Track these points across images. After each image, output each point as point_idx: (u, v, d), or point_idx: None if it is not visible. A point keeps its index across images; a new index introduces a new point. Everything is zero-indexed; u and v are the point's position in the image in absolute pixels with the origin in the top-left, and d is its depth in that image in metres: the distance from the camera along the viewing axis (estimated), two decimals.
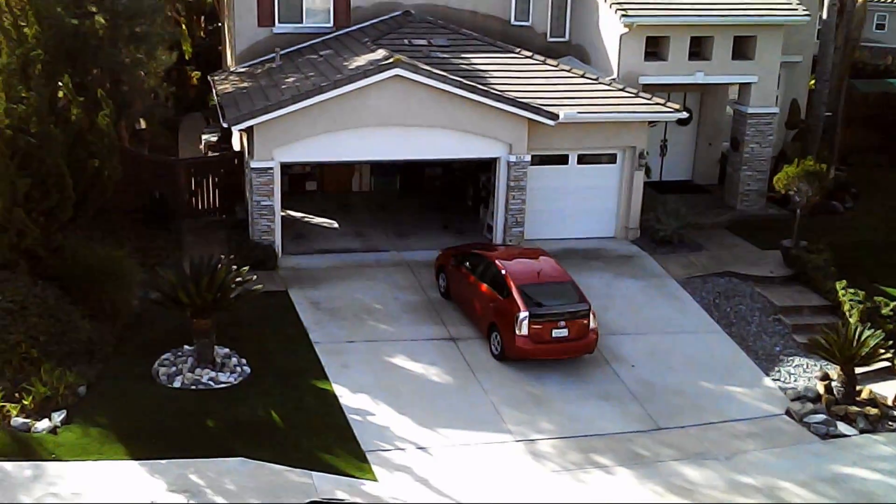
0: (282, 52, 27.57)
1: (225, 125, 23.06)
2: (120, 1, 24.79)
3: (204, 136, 32.96)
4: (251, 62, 28.13)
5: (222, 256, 19.85)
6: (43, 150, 18.04)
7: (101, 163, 19.76)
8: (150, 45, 25.15)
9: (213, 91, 26.92)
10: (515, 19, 29.12)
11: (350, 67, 23.90)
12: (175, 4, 39.09)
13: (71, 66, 22.96)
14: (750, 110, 27.29)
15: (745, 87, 27.37)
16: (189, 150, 33.39)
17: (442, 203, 28.64)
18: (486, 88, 23.58)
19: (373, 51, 24.87)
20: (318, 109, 22.97)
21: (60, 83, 20.94)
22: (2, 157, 17.42)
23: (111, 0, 24.45)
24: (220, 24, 40.25)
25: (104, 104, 19.62)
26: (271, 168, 23.38)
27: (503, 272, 20.08)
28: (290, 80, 24.77)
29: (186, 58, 38.98)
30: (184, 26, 39.38)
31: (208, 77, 29.37)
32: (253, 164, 23.29)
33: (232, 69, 28.49)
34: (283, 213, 24.34)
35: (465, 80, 23.49)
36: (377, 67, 22.85)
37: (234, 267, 19.21)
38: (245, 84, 25.99)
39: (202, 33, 41.70)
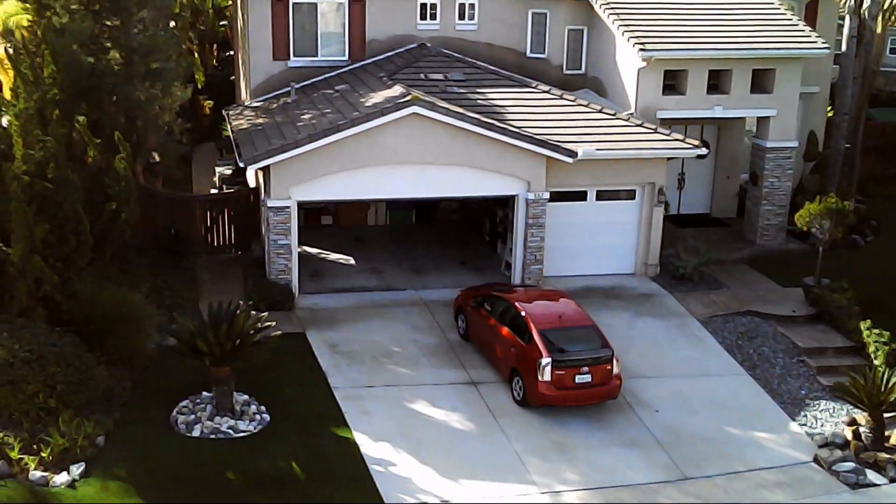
0: (297, 85, 27.45)
1: (241, 164, 22.86)
2: (135, 37, 24.69)
3: (218, 169, 32.81)
4: (266, 96, 28.01)
5: (241, 302, 19.58)
6: (60, 196, 17.86)
7: (119, 205, 19.57)
8: (166, 81, 24.97)
9: (229, 127, 26.78)
10: (531, 51, 28.94)
11: (366, 104, 23.72)
12: (188, 34, 39.17)
13: (86, 103, 22.87)
14: (769, 144, 27.04)
15: (763, 120, 27.14)
16: (203, 183, 33.29)
17: (458, 237, 28.44)
18: (504, 126, 23.37)
19: (389, 86, 24.70)
20: (334, 148, 22.79)
21: (77, 123, 20.83)
22: (19, 203, 17.23)
23: (126, 36, 24.33)
24: (232, 53, 40.28)
25: (121, 147, 19.43)
26: (288, 207, 23.19)
27: (524, 316, 19.82)
28: (307, 116, 24.61)
29: (199, 87, 38.93)
30: (196, 55, 39.37)
31: (223, 111, 29.23)
32: (269, 203, 23.10)
33: (247, 103, 28.36)
34: (298, 250, 24.11)
35: (482, 118, 23.29)
36: (394, 105, 22.66)
37: (253, 312, 18.96)
38: (260, 120, 25.83)
39: (215, 62, 41.62)
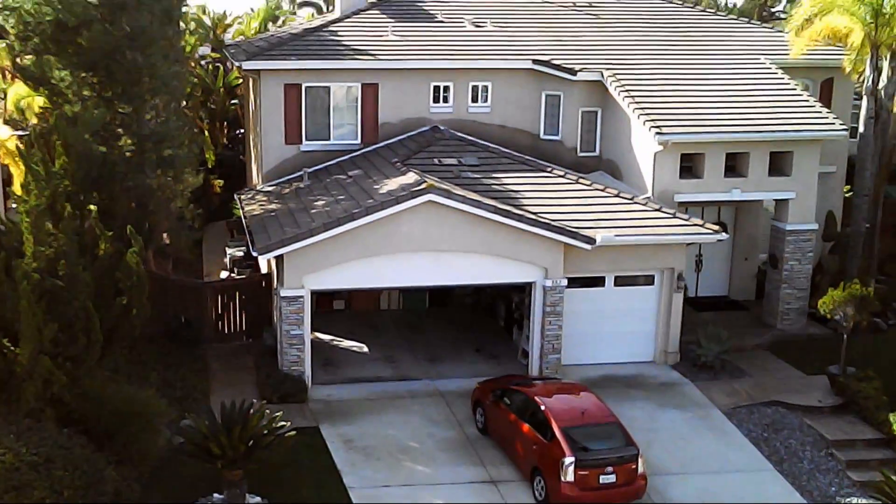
0: (309, 170, 27.26)
1: (254, 254, 22.47)
2: (147, 124, 24.53)
3: (229, 251, 32.45)
4: (278, 180, 27.80)
5: (254, 400, 19.05)
6: (71, 294, 17.44)
7: (130, 300, 19.14)
8: (178, 168, 24.76)
9: (241, 212, 26.46)
10: (545, 133, 28.74)
11: (381, 191, 23.41)
12: (199, 112, 39.18)
13: (97, 192, 22.62)
14: (788, 227, 26.63)
15: (782, 202, 26.74)
16: (213, 264, 32.92)
17: (473, 322, 27.95)
18: (520, 213, 23.02)
19: (403, 172, 24.42)
20: (349, 236, 22.43)
21: (88, 213, 20.55)
22: (28, 302, 16.81)
23: (139, 123, 24.17)
24: (242, 131, 40.24)
25: (133, 241, 19.07)
26: (301, 296, 22.76)
27: (546, 412, 19.25)
28: (320, 203, 24.31)
29: (209, 166, 38.83)
30: (207, 133, 39.35)
31: (235, 195, 28.95)
32: (282, 293, 22.68)
33: (259, 187, 28.11)
34: (311, 336, 23.60)
35: (499, 205, 22.95)
36: (409, 193, 22.35)
37: (267, 411, 18.42)
38: (273, 205, 25.55)
39: (225, 140, 41.56)
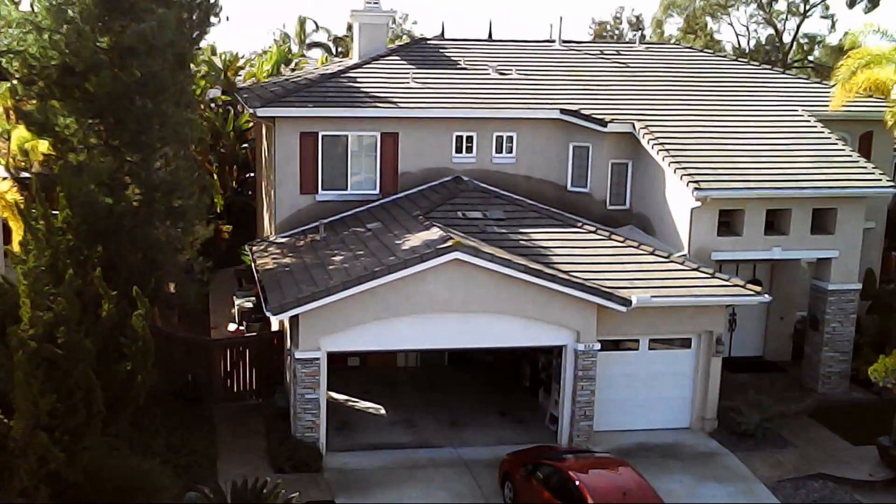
0: (325, 221, 25.99)
1: (268, 314, 21.08)
2: (156, 173, 23.26)
3: (237, 301, 31.16)
4: (293, 231, 26.51)
5: (267, 479, 17.55)
6: (70, 363, 16.02)
7: (134, 366, 17.73)
8: (188, 219, 23.43)
9: (253, 266, 25.11)
10: (572, 185, 27.45)
11: (403, 248, 22.06)
12: (208, 156, 38.04)
13: (101, 245, 21.31)
14: (831, 287, 25.23)
15: (824, 261, 25.35)
16: (221, 315, 31.61)
17: (495, 382, 26.51)
18: (552, 272, 21.64)
19: (425, 226, 23.10)
20: (369, 295, 21.05)
21: (90, 270, 19.22)
22: (24, 372, 15.40)
23: (147, 173, 22.90)
24: (252, 175, 39.04)
25: (139, 303, 17.69)
26: (317, 359, 21.36)
27: (583, 490, 17.75)
28: (338, 258, 22.96)
29: (218, 210, 37.63)
30: (216, 177, 38.17)
31: (247, 246, 27.61)
32: (297, 355, 21.27)
33: (272, 238, 26.80)
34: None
35: (529, 264, 21.57)
36: (435, 251, 20.99)
37: (283, 491, 16.94)
38: (287, 259, 24.21)
39: (234, 183, 40.34)
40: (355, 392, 25.59)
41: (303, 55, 74.04)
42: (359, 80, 27.75)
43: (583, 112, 26.70)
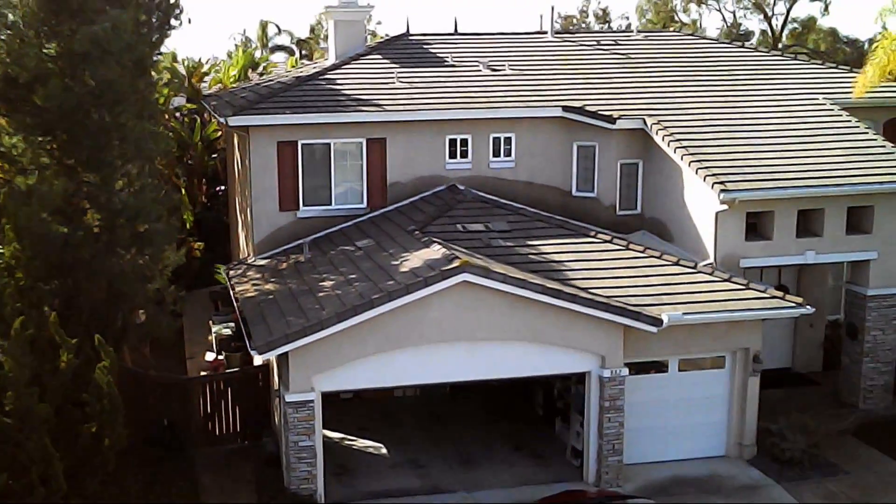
0: (309, 238, 23.46)
1: (253, 353, 18.45)
2: (118, 195, 20.57)
3: (214, 329, 28.45)
4: (273, 251, 23.90)
5: None
6: (22, 434, 13.36)
7: (100, 428, 15.09)
8: (156, 245, 20.76)
9: (232, 295, 22.46)
10: (577, 189, 25.02)
11: (402, 269, 19.53)
12: (175, 169, 35.35)
13: (57, 281, 18.64)
14: (870, 292, 22.94)
15: (861, 264, 23.07)
16: (196, 343, 28.95)
17: (505, 410, 24.05)
18: (573, 292, 19.18)
19: (424, 243, 20.60)
20: (367, 326, 18.51)
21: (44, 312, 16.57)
22: None
23: (107, 196, 20.20)
24: (223, 189, 36.38)
25: (103, 353, 15.04)
26: (311, 401, 18.78)
27: None
28: (328, 283, 20.39)
29: (188, 227, 35.00)
30: (184, 191, 35.48)
31: (223, 270, 24.92)
32: (288, 398, 18.67)
33: (250, 260, 24.17)
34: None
35: (547, 283, 19.08)
36: (440, 273, 18.44)
37: None
38: (270, 285, 21.61)
39: (204, 197, 37.61)
40: (351, 428, 23.05)
41: (268, 60, 71.07)
42: (338, 82, 25.16)
43: (587, 108, 24.27)
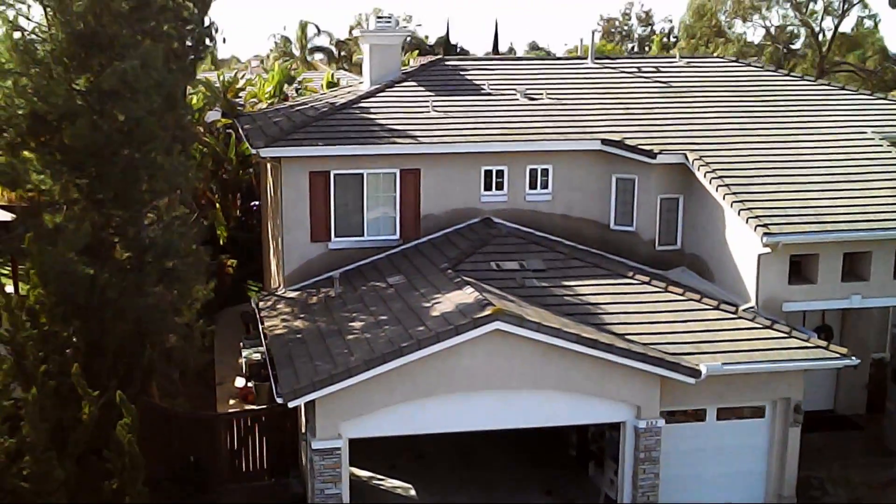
0: (340, 270, 23.09)
1: (279, 400, 18.06)
2: (146, 230, 20.32)
3: (244, 352, 28.10)
4: (303, 283, 23.53)
5: None
6: (40, 499, 13.05)
7: (121, 485, 14.76)
8: (184, 282, 20.45)
9: (261, 328, 22.09)
10: (616, 223, 24.42)
11: (432, 313, 19.06)
12: (209, 184, 35.19)
13: (81, 321, 18.35)
14: None
15: None
16: (226, 366, 28.66)
17: (536, 450, 23.43)
18: (609, 342, 18.60)
19: (457, 284, 20.11)
20: (396, 374, 18.10)
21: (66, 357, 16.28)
22: None
23: (136, 232, 19.94)
24: (257, 204, 36.13)
25: (124, 411, 14.71)
26: (338, 448, 18.38)
27: None
28: (357, 324, 19.98)
29: (221, 243, 34.79)
30: (218, 206, 35.31)
31: (254, 301, 24.54)
32: (315, 445, 18.27)
33: (280, 291, 23.81)
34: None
35: (581, 333, 18.51)
36: (472, 321, 17.95)
37: None
38: (298, 322, 21.24)
39: (238, 211, 37.38)
40: (380, 466, 22.60)
41: (308, 60, 70.94)
42: (372, 110, 24.72)
43: (627, 142, 23.66)
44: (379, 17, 27.01)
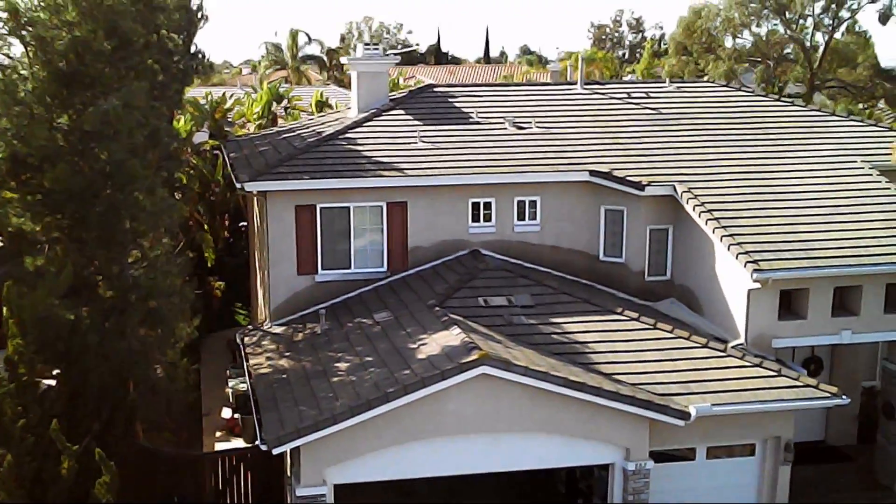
0: (327, 303, 22.92)
1: (262, 446, 17.80)
2: (130, 268, 20.05)
3: (231, 382, 27.90)
4: (290, 317, 23.29)
5: None
6: None
7: None
8: (167, 323, 20.19)
9: (245, 367, 21.84)
10: (605, 254, 24.26)
11: (419, 356, 18.84)
12: (196, 206, 34.96)
13: (63, 369, 18.10)
14: None
15: None
16: (213, 396, 28.44)
17: (524, 485, 23.12)
18: (596, 385, 18.39)
19: (444, 323, 19.90)
20: (382, 419, 17.87)
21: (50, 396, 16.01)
22: None
23: (119, 272, 19.67)
24: (245, 225, 35.90)
25: (104, 469, 14.47)
26: (323, 495, 18.14)
27: None
28: (343, 365, 19.74)
29: (209, 265, 34.58)
30: (206, 227, 35.10)
31: (237, 337, 24.26)
32: (299, 492, 18.04)
33: (266, 326, 23.57)
34: None
35: (569, 376, 18.31)
36: (458, 366, 17.75)
37: None
38: (283, 361, 21.01)
39: (226, 232, 37.14)
40: None
41: (299, 70, 70.47)
42: (359, 141, 24.51)
43: (615, 174, 23.48)
44: (366, 45, 26.80)
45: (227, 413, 27.24)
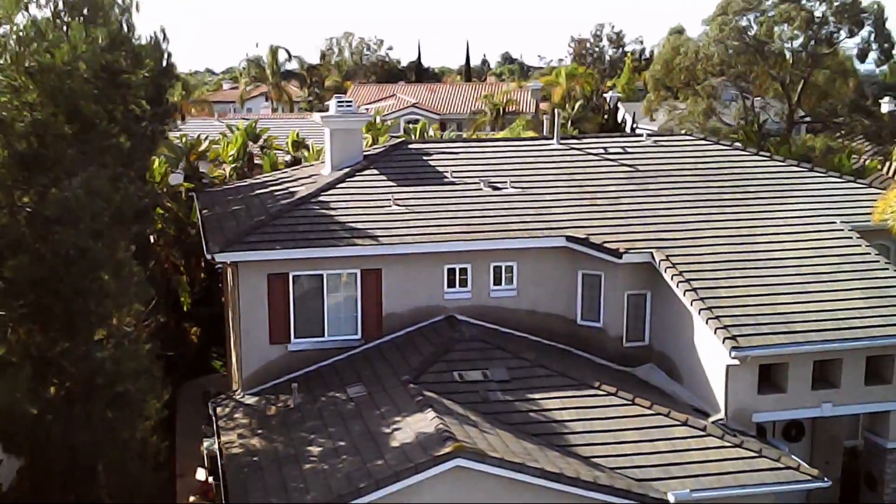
0: (299, 373, 22.51)
1: None
2: (96, 350, 19.53)
3: (206, 441, 27.35)
4: (263, 387, 22.87)
5: None
6: None
7: None
8: (135, 406, 19.70)
9: (217, 445, 21.40)
10: (582, 319, 23.97)
11: (392, 444, 18.45)
12: (171, 250, 34.57)
13: (26, 461, 17.61)
14: (890, 444, 21.79)
15: (880, 415, 21.89)
16: (188, 455, 27.88)
17: None
18: (573, 476, 18.03)
19: (418, 404, 19.54)
20: None
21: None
22: None
23: (85, 352, 19.15)
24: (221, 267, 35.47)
25: None
26: None
27: None
28: (315, 449, 19.34)
29: (185, 309, 34.20)
30: (182, 269, 34.69)
31: (211, 407, 23.79)
32: None
33: (239, 396, 23.14)
34: None
35: (546, 467, 17.94)
36: (432, 460, 17.38)
37: None
38: (255, 440, 20.59)
39: (203, 274, 36.67)
40: None
41: (279, 89, 69.80)
42: (332, 205, 24.12)
43: (592, 240, 23.16)
44: (339, 102, 26.39)
45: (201, 475, 26.72)
